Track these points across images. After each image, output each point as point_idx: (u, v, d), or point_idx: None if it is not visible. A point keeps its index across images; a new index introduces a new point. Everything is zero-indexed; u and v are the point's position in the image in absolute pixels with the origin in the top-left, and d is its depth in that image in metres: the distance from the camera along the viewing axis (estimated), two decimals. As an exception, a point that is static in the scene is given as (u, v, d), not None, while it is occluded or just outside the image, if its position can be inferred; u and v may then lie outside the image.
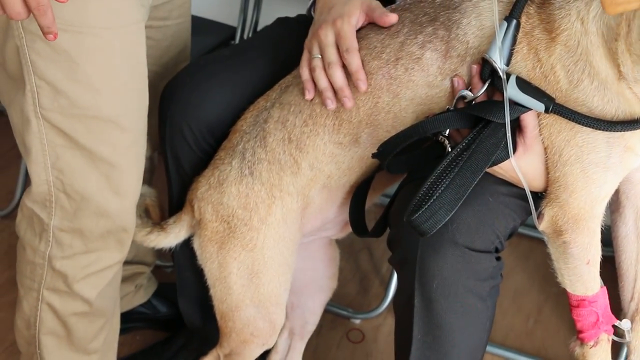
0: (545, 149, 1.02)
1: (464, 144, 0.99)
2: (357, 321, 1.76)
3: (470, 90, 1.03)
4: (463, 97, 1.03)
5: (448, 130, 1.05)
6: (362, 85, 1.09)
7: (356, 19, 1.11)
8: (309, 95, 1.14)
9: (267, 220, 1.17)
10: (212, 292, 1.23)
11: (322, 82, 1.12)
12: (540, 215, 1.07)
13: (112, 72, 1.10)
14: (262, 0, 1.89)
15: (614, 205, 1.16)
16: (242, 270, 1.19)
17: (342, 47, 1.11)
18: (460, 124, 1.02)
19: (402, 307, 1.10)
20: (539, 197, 1.07)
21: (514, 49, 1.00)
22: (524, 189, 1.03)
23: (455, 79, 1.05)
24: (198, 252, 1.23)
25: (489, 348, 1.70)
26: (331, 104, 1.12)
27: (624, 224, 1.16)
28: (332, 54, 1.11)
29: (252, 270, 1.19)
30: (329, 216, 1.22)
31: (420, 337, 1.08)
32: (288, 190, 1.16)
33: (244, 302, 1.20)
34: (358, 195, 1.17)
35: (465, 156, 0.98)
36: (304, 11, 1.29)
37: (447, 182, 0.96)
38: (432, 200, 0.96)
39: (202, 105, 1.25)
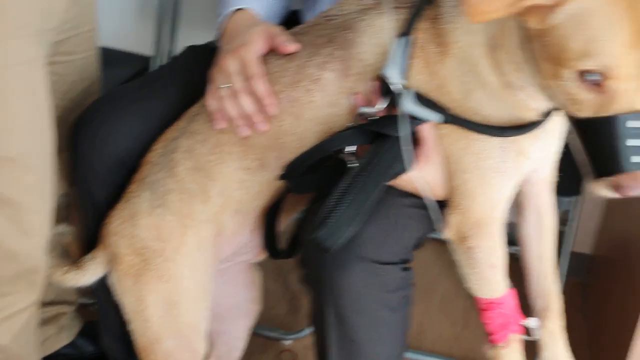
0: (444, 158, 1.06)
1: (364, 160, 1.02)
2: (288, 342, 1.77)
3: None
4: (363, 114, 1.06)
5: (355, 147, 1.07)
6: (273, 110, 1.11)
7: (259, 46, 1.14)
8: (220, 125, 1.15)
9: (181, 250, 1.18)
10: (131, 326, 1.22)
11: (232, 111, 1.13)
12: (445, 223, 1.11)
13: (11, 111, 1.09)
14: (177, 29, 1.89)
15: (517, 207, 1.21)
16: (159, 302, 1.19)
17: (247, 75, 1.12)
18: (361, 141, 1.05)
19: (317, 324, 1.12)
20: (444, 206, 1.11)
21: (409, 64, 1.03)
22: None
23: (355, 97, 1.08)
24: (115, 287, 1.22)
25: (418, 356, 1.74)
26: (244, 131, 1.13)
27: (527, 224, 1.20)
28: (238, 82, 1.13)
29: (170, 301, 1.19)
30: (243, 240, 1.23)
31: (336, 352, 1.10)
32: (200, 218, 1.17)
33: (163, 334, 1.20)
34: (269, 217, 1.19)
35: (366, 172, 1.00)
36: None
37: (348, 199, 0.99)
38: (334, 218, 0.98)
39: (111, 138, 1.24)
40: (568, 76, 0.87)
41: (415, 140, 1.05)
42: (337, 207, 0.99)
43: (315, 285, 1.09)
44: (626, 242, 1.60)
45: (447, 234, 1.10)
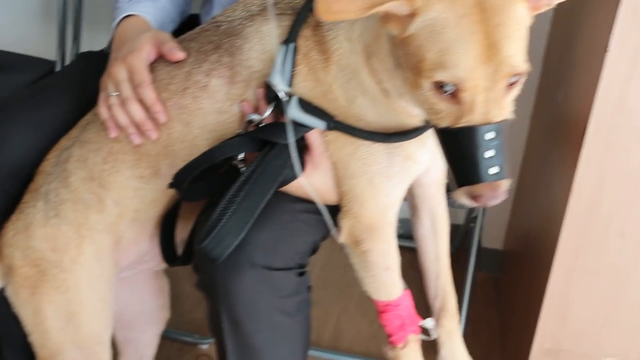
0: (333, 164, 1.08)
1: (251, 168, 1.02)
2: (205, 346, 1.76)
3: (258, 114, 1.06)
4: (251, 121, 1.07)
5: (243, 154, 1.07)
6: (161, 117, 1.11)
7: (147, 53, 1.13)
8: (113, 133, 1.14)
9: (78, 260, 1.16)
10: (31, 338, 1.20)
11: (122, 119, 1.13)
12: (339, 228, 1.12)
13: None
14: (81, 33, 1.86)
15: (411, 207, 1.24)
16: (58, 314, 1.17)
17: (135, 82, 1.12)
18: (249, 148, 1.05)
19: (214, 330, 1.12)
20: (338, 210, 1.12)
21: (294, 71, 1.04)
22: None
23: (244, 103, 1.08)
24: (12, 299, 1.20)
25: (335, 356, 1.76)
26: (136, 139, 1.13)
27: (422, 226, 1.23)
28: (126, 90, 1.12)
29: (69, 312, 1.17)
30: (143, 248, 1.22)
31: (235, 358, 1.11)
32: (96, 228, 1.16)
33: (64, 345, 1.18)
34: (165, 225, 1.18)
35: (252, 180, 1.01)
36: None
37: (234, 207, 0.99)
38: (219, 226, 0.98)
39: (2, 148, 1.22)
40: (426, 86, 0.89)
41: (304, 147, 1.06)
42: (223, 216, 0.99)
43: (209, 292, 1.09)
44: (532, 236, 1.65)
45: (341, 238, 1.12)
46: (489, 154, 0.87)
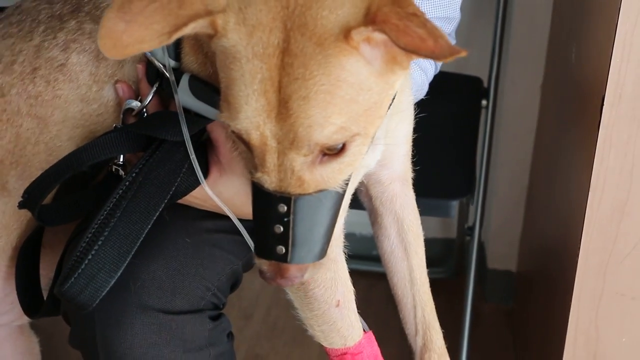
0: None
1: (130, 177, 1.00)
2: None
3: (140, 100, 1.04)
4: (130, 110, 1.05)
5: (122, 157, 1.05)
6: None
7: None
8: None
9: None
10: None
11: None
12: None
13: None
14: None
15: (372, 215, 1.22)
16: None
17: None
18: (127, 148, 1.02)
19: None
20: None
21: (181, 40, 1.01)
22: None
23: (119, 86, 1.06)
24: None
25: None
26: None
27: (387, 238, 1.21)
28: None
29: None
30: (-5, 296, 1.20)
31: None
32: None
33: None
34: (22, 261, 1.15)
35: (132, 192, 0.99)
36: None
37: (107, 232, 0.97)
38: (87, 261, 0.96)
39: None
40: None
41: (205, 144, 1.04)
42: (92, 245, 0.97)
43: (85, 349, 1.08)
44: (549, 251, 1.65)
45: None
46: (277, 229, 0.89)
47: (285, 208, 0.88)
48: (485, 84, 1.87)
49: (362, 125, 0.86)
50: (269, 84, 0.83)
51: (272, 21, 0.83)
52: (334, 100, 0.83)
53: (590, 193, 1.27)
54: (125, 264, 0.98)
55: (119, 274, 0.97)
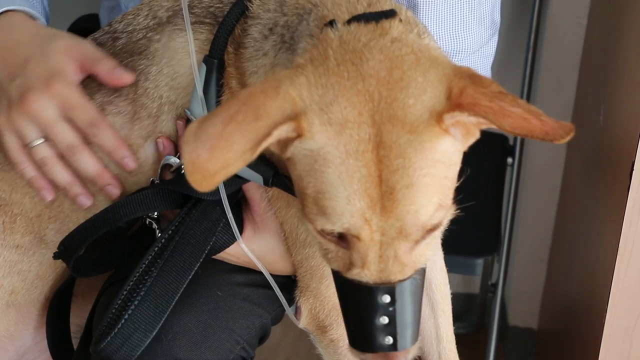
0: (280, 225, 1.06)
1: (167, 235, 1.00)
2: None
3: (179, 157, 1.04)
4: (170, 166, 1.05)
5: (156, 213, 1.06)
6: (130, 163, 1.06)
7: (76, 76, 1.06)
8: (49, 195, 1.08)
9: None
10: None
11: (63, 177, 1.07)
12: (298, 309, 1.10)
13: None
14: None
15: None
16: None
17: (79, 121, 1.05)
18: (164, 205, 1.03)
19: None
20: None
21: (221, 98, 1.02)
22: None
23: (160, 140, 1.06)
24: None
25: None
26: (87, 201, 1.07)
27: None
28: (68, 135, 1.05)
29: None
30: (26, 343, 1.20)
31: None
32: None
33: None
34: (54, 310, 1.15)
35: (169, 251, 0.99)
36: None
37: (144, 291, 0.98)
38: (123, 320, 0.96)
39: None
40: (309, 226, 0.88)
41: (240, 203, 1.05)
42: (129, 304, 0.97)
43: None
44: (573, 310, 1.64)
45: (302, 322, 1.09)
46: (383, 320, 0.87)
47: (389, 298, 0.86)
48: (511, 142, 1.87)
49: (449, 196, 0.86)
50: (369, 180, 0.82)
51: (359, 116, 0.82)
52: (433, 181, 0.83)
53: (618, 257, 1.28)
54: (160, 324, 0.98)
55: (154, 333, 0.98)
